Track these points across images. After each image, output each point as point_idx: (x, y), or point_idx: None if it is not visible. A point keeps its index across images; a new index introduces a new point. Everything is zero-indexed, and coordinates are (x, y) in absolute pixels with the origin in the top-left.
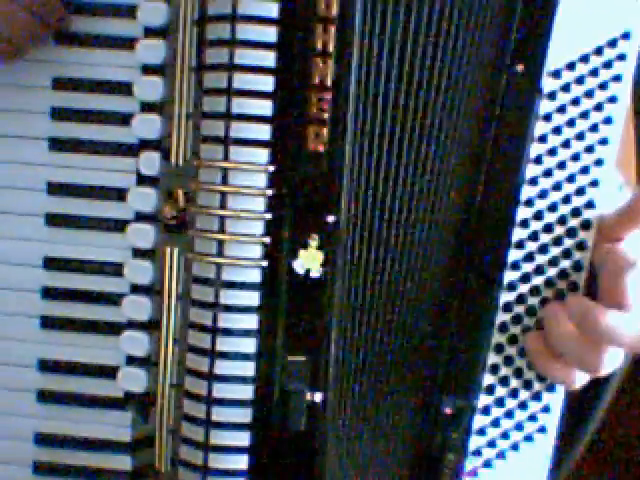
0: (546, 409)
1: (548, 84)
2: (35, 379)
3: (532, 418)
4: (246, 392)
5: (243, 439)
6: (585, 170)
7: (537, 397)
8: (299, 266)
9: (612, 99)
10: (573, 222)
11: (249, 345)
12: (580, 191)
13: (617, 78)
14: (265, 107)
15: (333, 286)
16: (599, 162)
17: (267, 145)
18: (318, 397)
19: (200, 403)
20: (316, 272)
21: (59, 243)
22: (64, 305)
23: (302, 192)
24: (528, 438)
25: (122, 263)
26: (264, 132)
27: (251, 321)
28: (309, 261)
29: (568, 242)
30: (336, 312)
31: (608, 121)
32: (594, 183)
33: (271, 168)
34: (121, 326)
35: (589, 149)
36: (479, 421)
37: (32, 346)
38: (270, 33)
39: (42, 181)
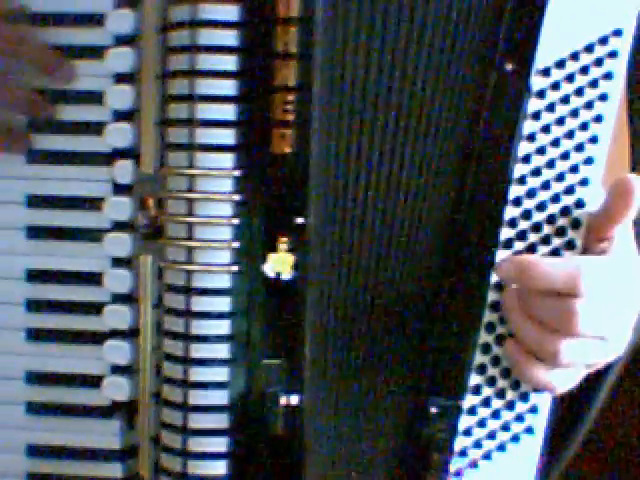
0: (533, 410)
1: (537, 82)
2: (23, 391)
3: (519, 419)
4: (222, 398)
5: (221, 445)
6: (575, 169)
7: (524, 398)
8: (269, 270)
9: (603, 97)
10: (562, 221)
11: (223, 351)
12: (569, 190)
13: (608, 76)
14: (229, 111)
15: (305, 288)
16: (589, 161)
17: (232, 150)
18: (295, 400)
19: (177, 410)
20: (287, 275)
21: (40, 255)
22: (48, 316)
23: (269, 195)
24: (515, 439)
25: (101, 272)
26: (229, 137)
27: (224, 327)
28: (279, 264)
29: (557, 241)
30: (310, 314)
31: (598, 119)
32: (584, 182)
33: (237, 173)
34: (105, 335)
35: (579, 148)
36: (465, 421)
37: (19, 358)
38: (231, 37)
39: (21, 194)
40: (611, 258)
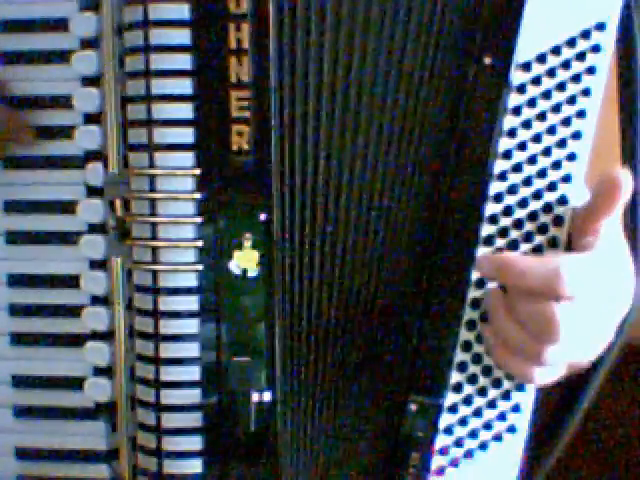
0: (516, 408)
1: (517, 77)
2: (10, 395)
3: (501, 417)
4: (194, 396)
5: (195, 443)
6: (557, 165)
7: (506, 396)
8: (235, 267)
9: (586, 92)
10: (544, 218)
11: (192, 349)
12: (552, 186)
13: (591, 70)
14: (186, 110)
15: (271, 284)
16: (572, 157)
17: (191, 148)
18: (268, 397)
19: (150, 410)
20: (253, 272)
21: (20, 260)
22: (31, 320)
23: (231, 192)
24: (497, 437)
25: (79, 275)
26: (187, 136)
27: (192, 325)
28: (245, 261)
29: (539, 238)
30: (278, 310)
31: (581, 114)
32: (566, 178)
33: (197, 171)
34: (86, 337)
35: (561, 143)
36: (446, 419)
37: (5, 363)
38: (183, 35)
39: None
40: (595, 254)
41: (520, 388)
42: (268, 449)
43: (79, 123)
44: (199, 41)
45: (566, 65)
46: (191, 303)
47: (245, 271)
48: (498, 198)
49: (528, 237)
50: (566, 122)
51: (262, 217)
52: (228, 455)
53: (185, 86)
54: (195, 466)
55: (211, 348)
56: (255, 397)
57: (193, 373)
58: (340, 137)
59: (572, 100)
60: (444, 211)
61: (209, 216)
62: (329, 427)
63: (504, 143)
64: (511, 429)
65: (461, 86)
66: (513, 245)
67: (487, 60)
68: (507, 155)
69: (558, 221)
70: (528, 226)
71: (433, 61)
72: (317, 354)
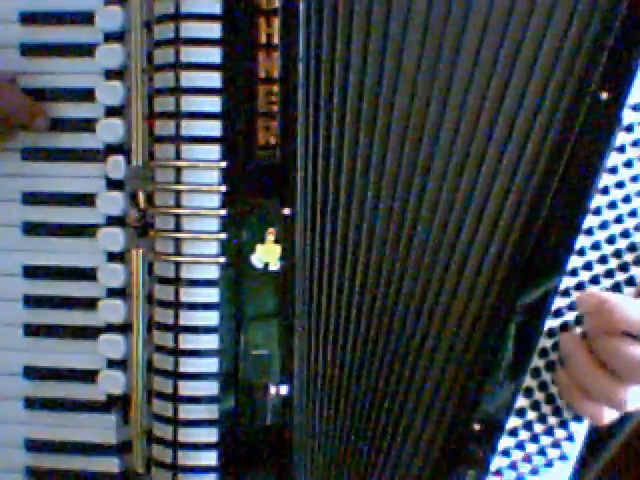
0: (570, 438)
1: (627, 116)
2: (22, 386)
3: (556, 445)
4: (212, 388)
5: (211, 435)
6: None
7: (564, 425)
8: (257, 260)
9: None
10: (627, 257)
11: (212, 341)
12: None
13: None
14: (214, 103)
15: (293, 279)
16: None
17: (218, 141)
18: (284, 390)
19: (167, 402)
20: (274, 266)
21: (37, 251)
22: (45, 312)
23: (256, 186)
24: (548, 464)
25: (96, 267)
26: (214, 128)
27: (212, 318)
28: (267, 255)
29: (619, 276)
30: (298, 304)
31: None
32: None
33: (223, 164)
34: (100, 330)
35: None
36: (505, 442)
37: (17, 354)
38: (214, 29)
39: (17, 191)
40: None
41: (577, 419)
42: (284, 443)
43: (101, 116)
44: (229, 35)
45: None
46: (212, 295)
47: (267, 265)
48: (589, 232)
49: (610, 274)
50: None
51: (286, 211)
52: (244, 448)
53: (214, 79)
54: (210, 458)
55: (230, 341)
56: (272, 390)
57: (212, 365)
58: (367, 135)
59: None
60: (525, 235)
61: (233, 209)
62: (350, 428)
63: (604, 179)
64: (563, 457)
65: (574, 117)
66: (595, 280)
67: (603, 95)
68: (605, 191)
69: (638, 261)
70: (612, 263)
71: (547, 88)
72: (335, 350)
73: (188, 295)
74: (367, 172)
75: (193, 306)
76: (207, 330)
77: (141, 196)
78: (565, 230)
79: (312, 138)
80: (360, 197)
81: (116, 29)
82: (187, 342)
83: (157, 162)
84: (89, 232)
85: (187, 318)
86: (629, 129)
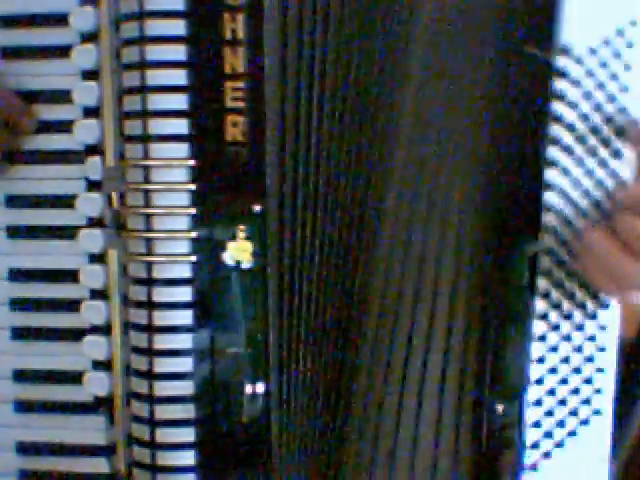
0: (598, 391)
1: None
2: (11, 389)
3: (586, 402)
4: (187, 388)
5: (189, 435)
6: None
7: (588, 381)
8: (229, 258)
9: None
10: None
11: (186, 341)
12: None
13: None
14: (181, 101)
15: (265, 276)
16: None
17: (186, 139)
18: (261, 388)
19: (144, 402)
20: (247, 263)
21: (21, 254)
22: (31, 315)
23: (226, 183)
24: (584, 422)
25: (78, 269)
26: (182, 127)
27: (186, 317)
28: (239, 252)
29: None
30: (272, 301)
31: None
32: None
33: (192, 162)
34: (86, 331)
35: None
36: (533, 414)
37: (6, 357)
38: (179, 26)
39: (0, 195)
40: None
41: (600, 370)
42: (262, 444)
43: (79, 117)
44: (194, 32)
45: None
46: (185, 294)
47: (239, 262)
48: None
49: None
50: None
51: (257, 208)
52: (224, 447)
53: (180, 77)
54: (189, 457)
55: (205, 340)
56: (248, 388)
57: (187, 365)
58: (334, 128)
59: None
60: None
61: (203, 207)
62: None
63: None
64: (596, 412)
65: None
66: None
67: (531, 50)
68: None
69: (621, 134)
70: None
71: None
72: (311, 346)
73: (161, 295)
74: (338, 166)
75: (166, 306)
76: (181, 329)
77: (114, 196)
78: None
79: (281, 133)
80: (332, 191)
81: (90, 29)
82: (161, 342)
83: (127, 161)
84: (71, 234)
85: (161, 318)
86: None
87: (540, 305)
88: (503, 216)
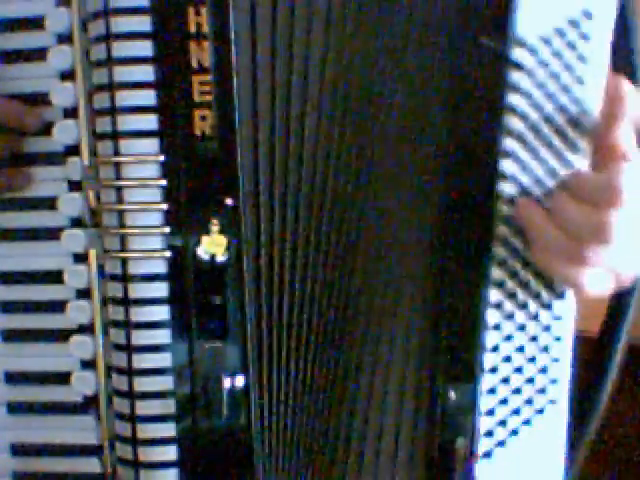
0: (554, 381)
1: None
2: (4, 391)
3: (541, 391)
4: (166, 383)
5: (169, 430)
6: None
7: (543, 371)
8: (203, 252)
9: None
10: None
11: (164, 336)
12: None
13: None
14: (148, 97)
15: (240, 269)
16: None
17: (155, 135)
18: (240, 382)
19: (124, 399)
20: (222, 257)
21: (8, 257)
22: (20, 317)
23: (197, 177)
24: (539, 411)
25: (62, 270)
26: (151, 122)
27: (162, 312)
28: (213, 246)
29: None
30: (248, 294)
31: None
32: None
33: (161, 157)
34: (73, 331)
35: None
36: (487, 402)
37: None
38: (143, 22)
39: None
40: (633, 164)
41: (555, 359)
42: (243, 438)
43: (58, 118)
44: (159, 27)
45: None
46: (161, 290)
47: (214, 256)
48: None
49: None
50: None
51: (229, 201)
52: (205, 442)
53: (147, 73)
54: (170, 452)
55: (182, 334)
56: (227, 382)
57: (165, 360)
58: (304, 120)
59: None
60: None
61: (175, 202)
62: (312, 418)
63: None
64: (551, 401)
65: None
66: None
67: (485, 41)
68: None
69: (576, 125)
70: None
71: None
72: (290, 338)
73: (137, 291)
74: (313, 157)
75: (143, 301)
76: (158, 325)
77: (91, 195)
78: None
79: (251, 126)
80: (307, 184)
81: (65, 30)
82: (139, 338)
83: (99, 159)
84: (56, 235)
85: (138, 314)
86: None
87: (494, 294)
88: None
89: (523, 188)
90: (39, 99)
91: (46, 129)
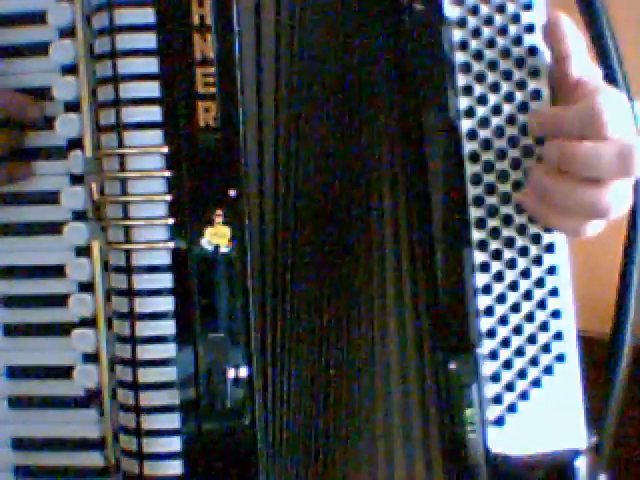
0: (558, 336)
1: (453, 11)
2: (5, 386)
3: (545, 349)
4: (171, 374)
5: (173, 421)
6: (522, 84)
7: (544, 327)
8: (207, 243)
9: (527, 6)
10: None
11: (168, 327)
12: (523, 106)
13: None
14: (152, 89)
15: (244, 259)
16: (535, 73)
17: (159, 126)
18: (244, 372)
19: (129, 390)
20: (225, 248)
21: (10, 251)
22: (22, 311)
23: (201, 169)
24: (548, 371)
25: (64, 264)
26: (155, 114)
27: (167, 303)
28: (217, 237)
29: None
30: (252, 285)
31: (530, 29)
32: (536, 93)
33: (165, 149)
34: (75, 325)
35: (519, 62)
36: (490, 367)
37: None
38: (147, 14)
39: None
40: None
41: (556, 315)
42: (246, 430)
43: (60, 112)
44: (163, 20)
45: None
46: (165, 281)
47: (217, 247)
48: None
49: (510, 97)
50: (517, 41)
51: (232, 193)
52: (209, 433)
53: (151, 65)
54: (174, 444)
55: (186, 325)
56: (231, 373)
57: (169, 351)
58: (307, 111)
59: (515, 17)
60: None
61: (179, 193)
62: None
63: (462, 78)
64: (559, 358)
65: (400, 37)
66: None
67: (418, 7)
68: (468, 90)
69: (535, 74)
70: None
71: (365, 18)
72: (293, 329)
73: (141, 282)
74: (316, 148)
75: (147, 292)
76: (162, 316)
77: (94, 187)
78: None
79: (254, 117)
80: (308, 173)
81: (67, 25)
82: (143, 329)
83: (102, 151)
84: (58, 229)
85: (141, 305)
86: (461, 23)
87: (479, 256)
88: None
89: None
90: (41, 94)
91: (48, 123)
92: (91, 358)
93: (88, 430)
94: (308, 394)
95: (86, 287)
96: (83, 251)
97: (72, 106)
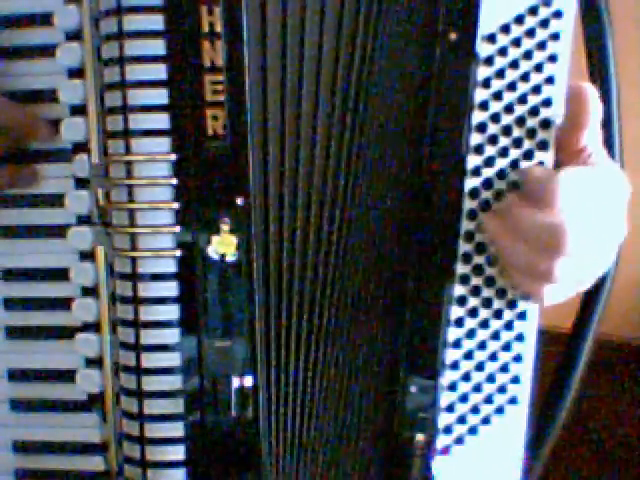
0: (515, 380)
1: (484, 49)
2: (7, 389)
3: (501, 390)
4: (175, 382)
5: (177, 430)
6: (532, 133)
7: (504, 369)
8: (213, 252)
9: (552, 58)
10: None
11: (173, 335)
12: (528, 154)
13: (555, 36)
14: (160, 96)
15: (250, 268)
16: (545, 124)
17: (167, 133)
18: (249, 381)
19: (133, 398)
20: (232, 256)
21: (12, 254)
22: (24, 314)
23: (208, 177)
24: (499, 410)
25: (68, 267)
26: (162, 121)
27: (172, 311)
28: (223, 246)
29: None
30: (258, 294)
31: (550, 81)
32: (543, 144)
33: (173, 156)
34: (77, 329)
35: (533, 111)
36: (447, 398)
37: (1, 357)
38: (156, 21)
39: None
40: (592, 168)
41: (517, 359)
42: (251, 438)
43: (65, 116)
44: (172, 26)
45: (530, 33)
46: (171, 289)
47: (223, 256)
48: (476, 172)
49: (518, 143)
50: (536, 90)
51: (239, 201)
52: (213, 441)
53: (159, 71)
54: (178, 452)
55: (192, 333)
56: (236, 382)
57: (174, 359)
58: (315, 120)
59: (539, 68)
60: (422, 189)
61: (186, 201)
62: (317, 416)
63: (477, 115)
64: (513, 400)
65: (429, 64)
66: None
67: (452, 36)
68: (482, 128)
69: (546, 125)
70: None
71: (401, 42)
72: (299, 338)
73: (146, 290)
74: (318, 158)
75: (152, 300)
76: (168, 324)
77: (100, 193)
78: (448, 173)
79: (262, 126)
80: (316, 183)
81: (74, 28)
82: (148, 337)
83: (109, 157)
84: (62, 233)
85: (147, 313)
86: (489, 61)
87: (458, 290)
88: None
89: (488, 181)
90: (47, 96)
91: (54, 126)
92: (94, 363)
93: (90, 434)
94: (311, 404)
95: (90, 292)
96: (87, 256)
97: (78, 110)
